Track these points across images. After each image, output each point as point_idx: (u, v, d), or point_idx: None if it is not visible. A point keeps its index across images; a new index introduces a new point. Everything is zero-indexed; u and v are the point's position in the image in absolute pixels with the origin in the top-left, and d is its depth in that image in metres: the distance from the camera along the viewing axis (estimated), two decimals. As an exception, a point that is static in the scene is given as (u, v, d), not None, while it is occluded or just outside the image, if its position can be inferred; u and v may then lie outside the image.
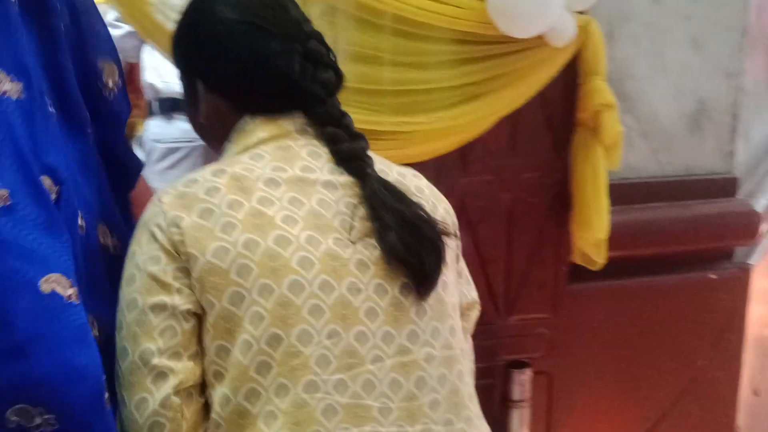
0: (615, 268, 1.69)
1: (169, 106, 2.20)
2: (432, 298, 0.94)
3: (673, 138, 1.73)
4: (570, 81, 1.52)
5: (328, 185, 0.92)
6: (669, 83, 1.70)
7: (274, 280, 0.87)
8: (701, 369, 1.83)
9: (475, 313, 1.11)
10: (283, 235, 0.88)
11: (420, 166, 1.62)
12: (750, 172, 1.88)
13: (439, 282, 0.94)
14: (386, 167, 0.98)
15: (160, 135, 2.20)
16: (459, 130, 1.45)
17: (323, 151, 0.94)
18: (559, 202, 1.61)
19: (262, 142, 0.94)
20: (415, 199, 0.95)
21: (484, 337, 1.62)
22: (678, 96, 1.71)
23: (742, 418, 1.97)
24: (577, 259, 1.60)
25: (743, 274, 1.81)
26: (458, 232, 1.03)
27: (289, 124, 0.95)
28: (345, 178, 0.93)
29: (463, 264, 1.07)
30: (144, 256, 0.88)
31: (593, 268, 1.60)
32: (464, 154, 1.54)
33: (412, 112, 1.41)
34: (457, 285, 1.02)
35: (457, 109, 1.43)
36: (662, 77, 1.70)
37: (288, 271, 0.87)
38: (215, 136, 1.01)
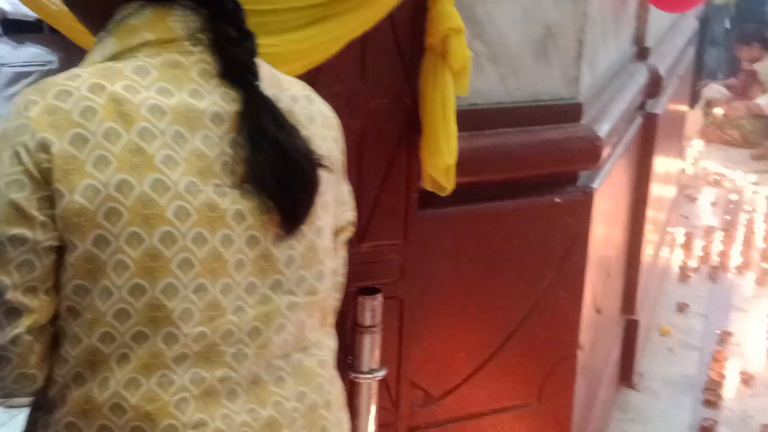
0: (464, 193, 1.71)
1: (16, 28, 2.09)
2: (303, 246, 0.92)
3: (521, 64, 1.74)
4: (419, 5, 1.49)
5: (216, 118, 0.87)
6: (517, 8, 1.70)
7: (145, 229, 0.82)
8: (547, 289, 1.89)
9: (346, 235, 1.11)
10: (160, 180, 0.83)
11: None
12: (594, 98, 1.94)
13: (314, 227, 0.93)
14: (278, 89, 0.94)
15: (7, 59, 2.10)
16: (306, 53, 1.40)
17: (215, 70, 0.88)
18: (409, 128, 1.60)
19: (148, 45, 0.87)
20: (304, 132, 0.92)
21: (336, 265, 1.62)
22: (526, 21, 1.72)
23: (584, 335, 2.07)
24: (427, 186, 1.60)
25: (586, 197, 1.87)
26: (344, 156, 1.02)
27: (180, 25, 0.88)
28: (233, 108, 0.88)
29: (346, 188, 1.07)
30: (6, 179, 0.80)
31: (443, 194, 1.60)
32: (312, 80, 1.48)
33: (258, 34, 1.34)
34: (333, 208, 1.00)
35: (304, 31, 1.37)
36: (510, 1, 1.70)
37: (161, 221, 0.83)
38: (93, 23, 0.92)
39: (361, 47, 1.48)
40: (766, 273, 4.01)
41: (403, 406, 1.78)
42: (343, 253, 1.11)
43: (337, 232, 1.06)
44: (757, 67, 6.64)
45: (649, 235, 3.06)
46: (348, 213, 1.09)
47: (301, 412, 0.95)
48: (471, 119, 1.72)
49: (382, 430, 1.72)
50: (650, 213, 2.97)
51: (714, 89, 6.69)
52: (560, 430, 2.05)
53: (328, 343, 1.03)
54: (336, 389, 1.03)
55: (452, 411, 1.88)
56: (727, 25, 8.23)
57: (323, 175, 0.94)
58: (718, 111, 6.57)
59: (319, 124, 0.98)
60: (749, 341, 3.32)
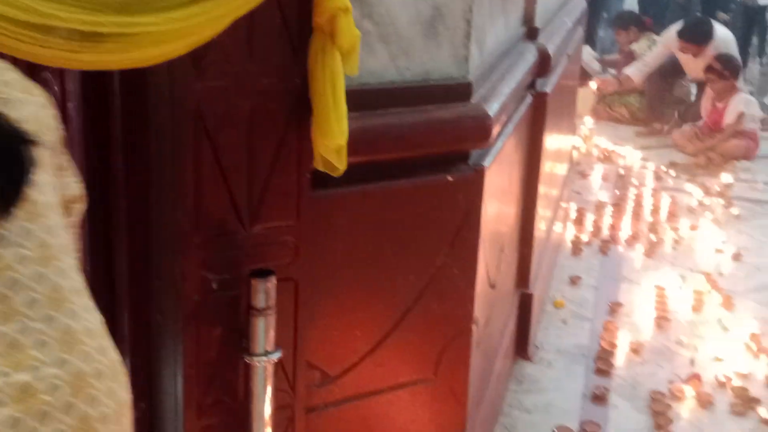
0: (357, 173, 1.71)
1: None
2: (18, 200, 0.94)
3: (411, 44, 1.75)
4: (306, -17, 1.48)
5: None
6: (406, -13, 1.71)
7: None
8: (441, 266, 1.92)
9: (79, 207, 1.12)
10: None
11: (150, 72, 1.54)
12: (484, 78, 1.96)
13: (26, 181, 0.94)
14: None
15: None
16: (189, 32, 1.36)
17: None
18: (299, 108, 1.58)
19: None
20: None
21: (229, 248, 1.60)
22: (415, 1, 1.72)
23: (479, 310, 2.12)
24: (319, 166, 1.59)
25: (477, 175, 1.90)
26: (59, 123, 1.03)
27: None
28: None
29: (65, 158, 1.06)
30: None
31: (335, 175, 1.60)
32: (198, 59, 1.46)
33: (139, 11, 1.30)
34: (53, 182, 1.01)
35: (186, 9, 1.32)
36: (399, -19, 1.70)
37: None
38: None
39: (247, 26, 1.46)
40: (653, 245, 4.18)
41: (300, 387, 1.78)
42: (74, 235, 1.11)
43: (67, 203, 1.06)
44: (635, 47, 6.89)
45: (542, 210, 3.14)
46: (76, 185, 1.10)
47: (64, 380, 0.94)
48: (362, 99, 1.72)
49: (279, 413, 1.71)
50: (542, 189, 3.05)
51: (587, 54, 6.90)
52: (457, 403, 2.09)
53: (95, 313, 1.03)
54: (107, 359, 1.02)
55: (350, 389, 1.89)
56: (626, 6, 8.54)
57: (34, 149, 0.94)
58: (593, 85, 6.80)
59: (18, 88, 0.99)
60: (638, 311, 3.46)
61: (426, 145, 1.81)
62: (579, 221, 4.43)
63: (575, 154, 5.34)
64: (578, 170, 5.33)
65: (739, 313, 3.43)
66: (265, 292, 1.60)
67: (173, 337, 1.66)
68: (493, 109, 1.88)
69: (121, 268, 1.81)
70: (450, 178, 1.85)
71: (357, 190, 1.76)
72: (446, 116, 1.80)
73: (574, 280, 3.72)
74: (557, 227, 3.85)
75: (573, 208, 4.56)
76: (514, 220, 2.69)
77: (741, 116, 5.83)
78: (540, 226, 3.13)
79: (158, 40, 1.35)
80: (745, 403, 2.77)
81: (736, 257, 4.08)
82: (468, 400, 2.12)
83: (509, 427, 2.61)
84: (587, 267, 3.91)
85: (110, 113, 1.73)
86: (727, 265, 4.02)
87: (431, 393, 2.03)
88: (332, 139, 1.54)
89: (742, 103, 5.92)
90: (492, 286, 2.34)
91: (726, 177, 5.32)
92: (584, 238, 4.23)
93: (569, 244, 4.14)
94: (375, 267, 1.84)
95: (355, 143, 1.63)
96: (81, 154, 1.81)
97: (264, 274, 1.61)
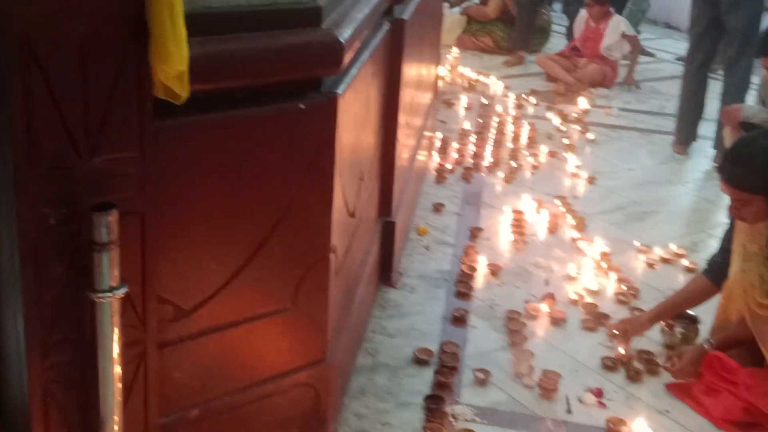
0: (205, 101, 1.66)
1: None
2: None
3: (255, -35, 1.68)
4: None
5: None
6: None
7: None
8: (296, 196, 1.90)
9: None
10: None
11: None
12: (335, 3, 1.92)
13: None
14: None
15: None
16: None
17: None
18: (138, 32, 1.50)
19: None
20: None
21: (66, 182, 1.52)
22: None
23: (337, 239, 2.12)
24: (160, 93, 1.53)
25: (330, 103, 1.88)
26: None
27: None
28: None
29: None
30: None
31: (177, 102, 1.54)
32: (19, -21, 1.35)
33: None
34: None
35: None
36: None
37: None
38: None
39: (74, -57, 1.36)
40: (513, 171, 4.30)
41: (152, 323, 1.74)
42: None
43: None
44: None
45: (404, 139, 3.16)
46: None
47: None
48: (206, 23, 1.65)
49: (129, 349, 1.67)
50: (403, 118, 3.06)
51: None
52: (317, 332, 2.10)
53: None
54: None
55: (206, 323, 1.87)
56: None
57: None
58: (456, 10, 6.88)
59: None
60: (497, 235, 3.57)
61: (275, 72, 1.76)
62: (443, 150, 4.49)
63: (440, 83, 5.39)
64: (443, 99, 5.38)
65: (591, 234, 3.60)
66: (107, 227, 1.53)
67: (12, 277, 1.58)
68: (344, 34, 1.85)
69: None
70: (302, 106, 1.82)
71: (205, 119, 1.70)
72: (295, 42, 1.75)
73: (437, 208, 3.79)
74: (421, 156, 3.89)
75: (438, 136, 4.61)
76: (374, 149, 2.69)
77: (624, 37, 6.02)
78: (402, 155, 3.15)
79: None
80: (595, 319, 2.93)
81: (591, 181, 4.26)
82: (328, 328, 2.14)
83: (372, 351, 2.66)
84: (450, 194, 3.99)
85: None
86: (581, 189, 4.19)
87: (290, 323, 2.04)
88: (171, 65, 1.47)
89: (623, 24, 6.11)
90: (351, 214, 2.34)
91: (583, 103, 5.51)
92: (448, 166, 4.30)
93: (433, 173, 4.20)
94: (227, 198, 1.80)
95: (199, 70, 1.57)
96: None
97: (105, 207, 1.54)
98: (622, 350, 2.69)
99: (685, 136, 4.83)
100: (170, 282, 1.77)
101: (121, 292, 1.58)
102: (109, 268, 1.56)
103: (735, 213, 2.46)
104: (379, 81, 2.63)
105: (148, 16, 1.47)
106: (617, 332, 2.76)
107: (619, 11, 7.31)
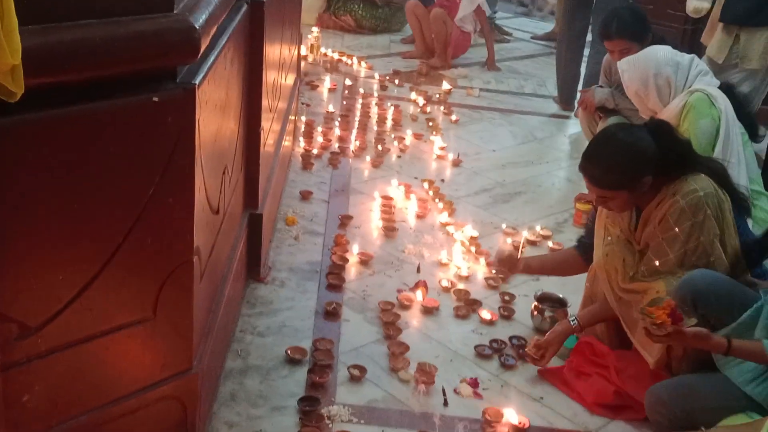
0: (44, 96, 1.48)
1: None
2: None
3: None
4: None
5: None
6: None
7: None
8: (153, 197, 1.74)
9: None
10: None
11: None
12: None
13: None
14: None
15: None
16: None
17: None
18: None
19: None
20: None
21: None
22: None
23: (201, 239, 1.98)
24: (-12, 90, 1.34)
25: (187, 94, 1.73)
26: None
27: None
28: None
29: None
30: None
31: (11, 101, 1.36)
32: None
33: None
34: None
35: None
36: None
37: None
38: None
39: None
40: (380, 154, 4.24)
41: (-7, 345, 1.56)
42: None
43: None
44: None
45: (269, 125, 3.02)
46: None
47: None
48: (43, 9, 1.48)
49: (-33, 377, 1.49)
50: (267, 103, 2.92)
51: None
52: (181, 340, 1.96)
53: None
54: None
55: (56, 339, 1.70)
56: None
57: None
58: None
59: None
60: (367, 222, 3.50)
61: (124, 63, 1.60)
62: (309, 134, 4.37)
63: (303, 64, 5.25)
64: (307, 81, 5.26)
65: (460, 218, 3.59)
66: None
67: None
68: (199, 20, 1.71)
69: None
70: (156, 99, 1.66)
71: (43, 115, 1.52)
72: (145, 29, 1.60)
73: (305, 195, 3.68)
74: (286, 141, 3.76)
75: (302, 120, 4.49)
76: (237, 139, 2.55)
77: (475, 12, 6.03)
78: (267, 142, 3.02)
79: None
80: (467, 306, 2.91)
81: (456, 163, 4.26)
82: (193, 336, 2.00)
83: (242, 352, 2.54)
84: (318, 181, 3.88)
85: None
86: (447, 172, 4.18)
87: (151, 333, 1.89)
88: (1, 59, 1.29)
89: None
90: (215, 211, 2.20)
91: (445, 84, 5.52)
92: (314, 151, 4.19)
93: (300, 159, 4.08)
94: (73, 203, 1.62)
95: (36, 62, 1.40)
96: None
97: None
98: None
99: (567, 96, 5.33)
100: (13, 298, 1.59)
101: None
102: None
103: (601, 205, 2.49)
104: (240, 66, 2.49)
105: (-29, 1, 1.28)
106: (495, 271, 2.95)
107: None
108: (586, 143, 2.72)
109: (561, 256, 2.99)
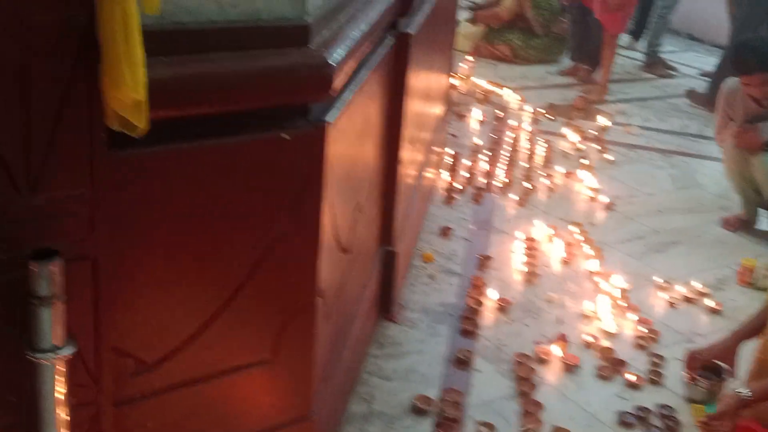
0: (171, 129, 1.44)
1: None
2: None
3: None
4: None
5: None
6: None
7: None
8: (278, 236, 1.67)
9: None
10: None
11: None
12: (327, 19, 1.70)
13: None
14: None
15: None
16: None
17: None
18: (89, 52, 1.28)
19: None
20: None
21: (3, 223, 1.31)
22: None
23: (327, 280, 1.89)
24: (113, 125, 1.30)
25: (319, 132, 1.65)
26: None
27: None
28: None
29: None
30: None
31: (134, 135, 1.31)
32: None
33: None
34: None
35: None
36: None
37: None
38: None
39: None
40: (526, 192, 4.06)
41: (107, 380, 1.52)
42: None
43: None
44: None
45: (409, 158, 2.93)
46: None
47: None
48: (176, 41, 1.44)
49: (80, 411, 1.46)
50: (409, 135, 2.82)
51: None
52: (300, 384, 1.88)
53: None
54: None
55: (173, 377, 1.65)
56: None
57: None
58: (467, 19, 6.64)
59: None
60: (508, 265, 3.33)
61: (254, 98, 1.54)
62: (453, 167, 4.25)
63: (452, 94, 5.15)
64: (455, 111, 5.15)
65: (609, 267, 3.35)
66: (48, 278, 1.31)
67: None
68: (336, 55, 1.62)
69: None
70: (285, 136, 1.59)
71: (170, 149, 1.48)
72: (278, 63, 1.53)
73: (444, 232, 3.55)
74: (429, 174, 3.66)
75: (448, 152, 4.37)
76: (374, 173, 2.46)
77: None
78: (407, 175, 2.92)
79: None
80: (611, 366, 2.68)
81: (609, 206, 4.01)
82: (314, 378, 1.91)
83: (366, 396, 2.43)
84: (459, 217, 3.75)
85: None
86: (599, 215, 3.94)
87: (270, 375, 1.81)
88: (125, 92, 1.25)
89: None
90: (344, 250, 2.11)
91: (602, 120, 5.26)
92: (458, 185, 4.06)
93: (442, 192, 3.97)
94: (197, 238, 1.57)
95: (166, 94, 1.36)
96: None
97: (48, 254, 1.32)
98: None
99: None
100: (130, 333, 1.56)
101: (67, 352, 1.36)
102: (52, 325, 1.33)
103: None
104: (381, 99, 2.40)
105: (100, 35, 1.25)
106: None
107: (643, 24, 7.10)
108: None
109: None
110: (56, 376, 1.36)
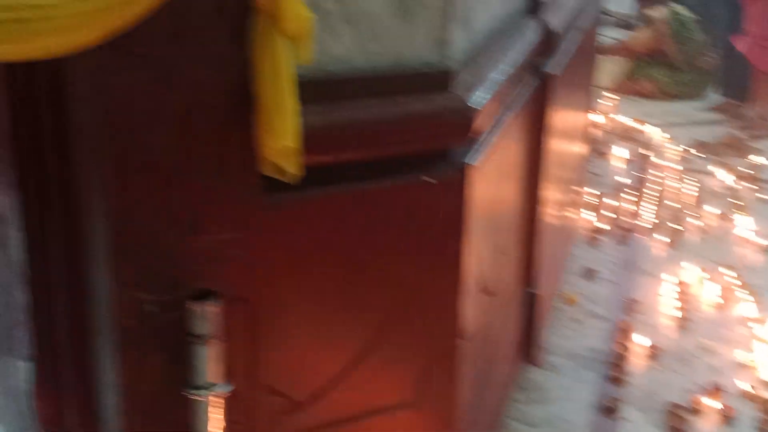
0: (319, 174, 1.48)
1: None
2: None
3: (381, 24, 1.51)
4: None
5: None
6: (374, -41, 1.47)
7: None
8: (419, 278, 1.69)
9: None
10: None
11: (70, 63, 1.32)
12: (470, 63, 1.72)
13: None
14: None
15: None
16: (95, 18, 1.13)
17: None
18: (244, 102, 1.35)
19: None
20: None
21: (164, 264, 1.38)
22: (384, -26, 1.48)
23: (470, 321, 1.89)
24: (266, 170, 1.36)
25: (461, 175, 1.66)
26: None
27: None
28: None
29: None
30: None
31: (287, 180, 1.37)
32: (117, 47, 1.23)
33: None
34: None
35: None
36: (366, -49, 1.46)
37: None
38: None
39: (175, 8, 1.22)
40: (676, 234, 3.91)
41: (262, 417, 1.57)
42: None
43: None
44: (651, 12, 6.55)
45: (551, 198, 2.89)
46: None
47: None
48: (325, 89, 1.49)
49: (234, 447, 1.51)
50: (551, 176, 2.79)
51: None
52: (445, 425, 1.87)
53: None
54: None
55: (321, 416, 1.68)
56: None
57: None
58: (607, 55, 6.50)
59: None
60: (657, 309, 3.20)
61: (399, 142, 1.57)
62: (596, 207, 4.15)
63: (594, 132, 5.06)
64: (597, 149, 5.04)
65: (766, 312, 3.16)
66: (206, 318, 1.38)
67: (109, 364, 1.46)
68: (477, 99, 1.63)
69: (59, 282, 1.60)
70: (428, 180, 1.61)
71: (320, 193, 1.53)
72: (422, 109, 1.56)
73: (589, 273, 3.47)
74: (571, 214, 3.59)
75: (590, 192, 4.28)
76: (515, 216, 2.44)
77: None
78: (549, 216, 2.88)
79: (61, 26, 1.12)
80: (772, 417, 2.53)
81: (766, 249, 3.80)
82: (457, 422, 1.90)
83: (510, 442, 2.39)
84: (604, 258, 3.65)
85: (38, 108, 1.52)
86: (755, 257, 3.74)
87: (414, 417, 1.81)
88: (279, 140, 1.31)
89: None
90: (487, 292, 2.10)
91: (755, 158, 5.01)
92: (602, 225, 3.96)
93: (585, 233, 3.88)
94: (344, 280, 1.61)
95: (317, 140, 1.41)
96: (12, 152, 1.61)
97: (206, 295, 1.39)
98: None
99: None
100: (282, 372, 1.60)
101: (222, 389, 1.42)
102: (209, 363, 1.40)
103: None
104: (522, 141, 2.39)
105: (255, 86, 1.31)
106: None
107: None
108: None
109: None
110: (211, 413, 1.43)
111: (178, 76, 1.30)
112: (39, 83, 1.49)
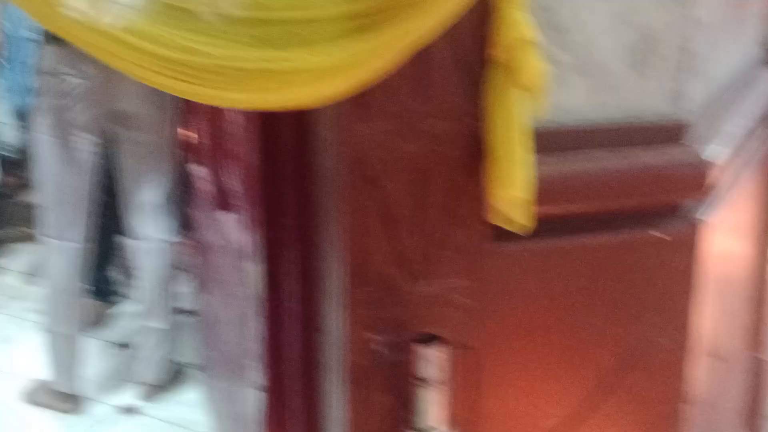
0: (546, 225, 1.49)
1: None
2: None
3: (614, 76, 1.50)
4: (483, 12, 1.29)
5: None
6: (609, 11, 1.46)
7: None
8: (644, 336, 1.63)
9: None
10: None
11: (315, 113, 1.43)
12: (706, 115, 1.66)
13: None
14: None
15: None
16: (350, 69, 1.22)
17: None
18: (477, 153, 1.39)
19: None
20: None
21: (394, 307, 1.44)
22: (619, 26, 1.47)
23: (695, 386, 1.79)
24: (496, 220, 1.39)
25: (692, 230, 1.60)
26: None
27: None
28: None
29: None
30: None
31: (516, 230, 1.39)
32: (360, 98, 1.31)
33: (287, 45, 1.16)
34: None
35: (345, 42, 1.18)
36: (602, 3, 1.46)
37: None
38: None
39: (415, 61, 1.28)
40: None
41: (477, 467, 1.58)
42: None
43: None
44: None
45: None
46: None
47: None
48: (555, 140, 1.50)
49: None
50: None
51: None
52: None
53: None
54: None
55: (534, 471, 1.66)
56: None
57: None
58: None
59: None
60: None
61: (629, 195, 1.54)
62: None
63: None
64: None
65: None
66: (431, 361, 1.41)
67: (336, 398, 1.53)
68: (713, 152, 1.58)
69: (292, 317, 1.71)
70: (657, 234, 1.57)
71: (546, 244, 1.53)
72: (654, 161, 1.52)
73: (823, 342, 3.18)
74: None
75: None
76: (745, 278, 2.30)
77: None
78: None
79: (313, 77, 1.21)
80: None
81: None
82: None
83: None
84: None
85: (283, 154, 1.65)
86: None
87: (632, 481, 1.75)
88: (510, 191, 1.33)
89: None
90: (715, 355, 1.99)
91: None
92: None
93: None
94: (565, 334, 1.59)
95: (546, 190, 1.42)
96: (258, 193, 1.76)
97: (431, 339, 1.43)
98: None
99: None
100: (500, 422, 1.60)
101: (444, 434, 1.44)
102: (432, 407, 1.43)
103: None
104: (756, 199, 2.26)
105: (489, 137, 1.35)
106: None
107: None
108: None
109: None
110: (433, 456, 1.45)
111: (416, 126, 1.36)
112: (285, 130, 1.61)
